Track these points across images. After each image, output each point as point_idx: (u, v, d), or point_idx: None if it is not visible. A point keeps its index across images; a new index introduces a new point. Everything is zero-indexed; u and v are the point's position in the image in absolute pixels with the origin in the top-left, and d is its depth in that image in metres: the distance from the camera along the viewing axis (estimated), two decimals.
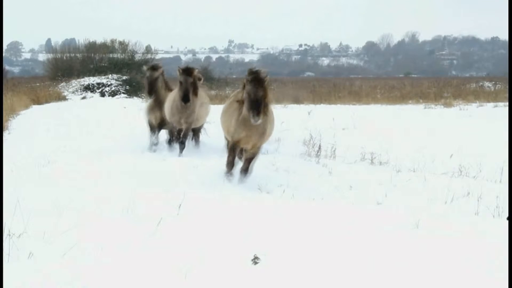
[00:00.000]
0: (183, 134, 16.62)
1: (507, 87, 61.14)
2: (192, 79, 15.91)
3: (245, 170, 12.72)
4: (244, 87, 12.07)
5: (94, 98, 48.66)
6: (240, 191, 11.42)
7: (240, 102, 12.54)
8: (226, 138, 14.18)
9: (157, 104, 17.80)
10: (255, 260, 7.09)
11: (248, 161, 12.81)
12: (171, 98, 16.66)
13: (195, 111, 16.70)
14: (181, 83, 15.83)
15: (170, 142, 17.72)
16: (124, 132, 21.46)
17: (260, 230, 8.31)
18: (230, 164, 12.69)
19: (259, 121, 11.67)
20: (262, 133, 12.44)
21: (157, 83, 17.60)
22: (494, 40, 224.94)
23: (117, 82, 52.17)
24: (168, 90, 17.95)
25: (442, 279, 6.65)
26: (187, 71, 15.80)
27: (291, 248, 7.56)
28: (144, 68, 18.22)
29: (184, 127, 16.61)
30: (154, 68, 17.70)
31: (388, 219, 9.26)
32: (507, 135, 9.86)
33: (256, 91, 11.69)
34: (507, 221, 9.82)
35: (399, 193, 11.77)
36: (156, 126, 18.15)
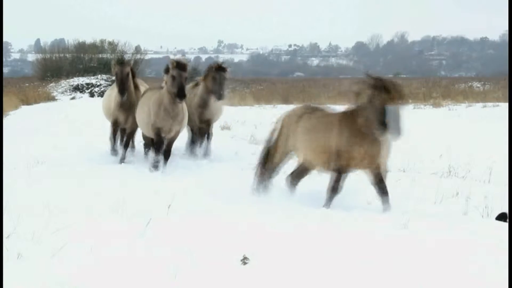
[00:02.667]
0: (168, 144, 14.70)
1: (496, 87, 61.37)
2: (186, 75, 14.09)
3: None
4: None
5: (84, 98, 48.57)
6: (230, 192, 11.40)
7: None
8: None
9: (127, 104, 15.89)
10: (244, 260, 7.10)
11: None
12: (155, 101, 14.51)
13: (186, 116, 14.92)
14: (174, 77, 13.91)
15: (146, 149, 16.21)
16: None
17: (249, 231, 8.33)
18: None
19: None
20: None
21: (128, 80, 15.80)
22: (483, 41, 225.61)
23: (106, 82, 52.04)
24: (136, 89, 16.28)
25: (431, 279, 6.68)
26: (181, 66, 14.06)
27: (279, 248, 7.57)
28: (112, 63, 16.41)
29: (172, 135, 14.58)
30: (122, 62, 15.91)
31: (378, 219, 9.29)
32: (507, 136, 9.87)
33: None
34: (495, 221, 9.88)
35: (389, 193, 11.78)
36: (120, 129, 16.59)
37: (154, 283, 6.49)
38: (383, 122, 9.90)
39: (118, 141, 16.77)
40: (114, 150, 16.44)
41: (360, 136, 10.36)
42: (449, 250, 7.64)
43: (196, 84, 17.21)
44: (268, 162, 11.79)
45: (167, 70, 14.33)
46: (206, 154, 16.75)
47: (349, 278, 6.67)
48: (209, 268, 6.87)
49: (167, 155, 14.58)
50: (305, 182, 11.78)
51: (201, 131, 17.10)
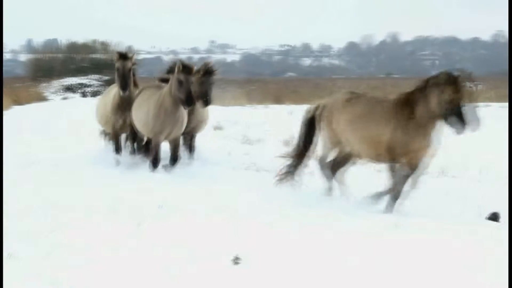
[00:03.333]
0: (174, 149, 14.06)
1: (488, 87, 61.46)
2: (192, 80, 13.41)
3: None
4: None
5: (76, 98, 48.41)
6: (222, 192, 11.40)
7: None
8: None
9: (126, 104, 14.62)
10: (236, 260, 7.12)
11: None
12: (155, 102, 13.74)
13: (186, 119, 14.14)
14: (180, 82, 13.16)
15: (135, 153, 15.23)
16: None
17: (240, 232, 8.33)
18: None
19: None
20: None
21: (130, 76, 14.51)
22: (475, 41, 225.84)
23: (98, 82, 51.96)
24: (136, 86, 15.21)
25: (424, 278, 6.69)
26: (188, 70, 13.29)
27: (271, 248, 7.59)
28: (114, 57, 14.83)
29: (171, 138, 13.90)
30: (125, 56, 14.52)
31: (370, 219, 9.30)
32: (507, 136, 9.88)
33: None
34: (487, 221, 9.91)
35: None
36: (119, 133, 15.26)
37: (147, 283, 6.50)
38: (462, 119, 10.37)
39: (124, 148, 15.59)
40: (117, 155, 15.06)
41: (416, 127, 10.50)
42: (441, 250, 7.65)
43: None
44: (301, 159, 11.93)
45: (169, 71, 14.02)
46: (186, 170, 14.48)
47: (341, 278, 6.69)
48: (200, 268, 6.89)
49: (174, 162, 13.96)
50: (298, 181, 11.78)
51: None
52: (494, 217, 10.26)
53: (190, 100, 13.15)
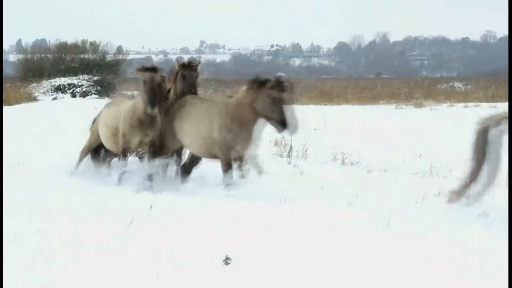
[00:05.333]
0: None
1: (477, 87, 61.67)
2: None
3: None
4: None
5: (65, 99, 48.35)
6: (211, 193, 11.39)
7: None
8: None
9: (150, 121, 12.52)
10: (226, 261, 7.11)
11: None
12: (225, 114, 12.07)
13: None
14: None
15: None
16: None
17: (231, 232, 8.32)
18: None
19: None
20: None
21: (160, 91, 12.45)
22: (464, 41, 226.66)
23: (88, 82, 51.86)
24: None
25: (414, 278, 6.70)
26: (283, 87, 11.58)
27: (262, 249, 7.57)
28: (137, 68, 12.66)
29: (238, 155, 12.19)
30: (154, 68, 12.44)
31: (360, 219, 9.31)
32: (508, 137, 9.87)
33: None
34: (476, 221, 9.91)
35: (371, 193, 11.81)
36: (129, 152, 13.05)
37: (137, 284, 6.49)
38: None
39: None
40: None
41: None
42: (432, 250, 7.66)
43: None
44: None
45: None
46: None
47: (332, 278, 6.69)
48: (191, 269, 6.86)
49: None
50: (286, 182, 11.79)
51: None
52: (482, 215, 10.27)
53: (285, 123, 11.38)
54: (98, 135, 13.58)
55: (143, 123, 12.43)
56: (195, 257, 7.22)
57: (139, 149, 12.98)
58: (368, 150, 17.75)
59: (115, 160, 13.52)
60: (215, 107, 12.32)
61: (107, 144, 13.30)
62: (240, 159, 12.14)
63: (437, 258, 7.34)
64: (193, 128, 12.33)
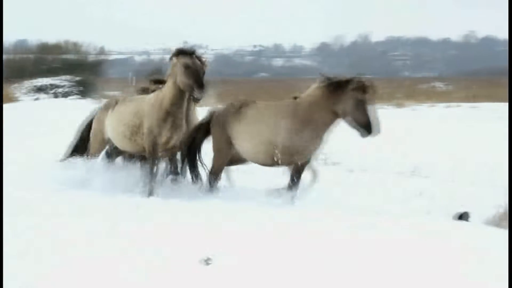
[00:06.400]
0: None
1: (459, 87, 61.93)
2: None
3: None
4: None
5: (47, 99, 48.17)
6: (195, 194, 11.38)
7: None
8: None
9: (177, 116, 11.77)
10: (207, 261, 7.14)
11: None
12: (283, 115, 11.42)
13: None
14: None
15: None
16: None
17: (212, 231, 8.34)
18: None
19: None
20: None
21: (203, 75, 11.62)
22: (446, 41, 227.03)
23: (70, 83, 51.69)
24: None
25: (399, 278, 6.75)
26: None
27: (243, 248, 7.59)
28: (173, 54, 11.77)
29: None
30: (193, 52, 11.68)
31: (343, 219, 9.34)
32: (507, 137, 9.95)
33: None
34: (458, 221, 10.00)
35: (354, 193, 11.85)
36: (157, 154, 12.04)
37: (120, 284, 6.51)
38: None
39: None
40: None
41: None
42: (415, 249, 7.70)
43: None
44: None
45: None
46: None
47: (314, 278, 6.73)
48: (173, 269, 6.90)
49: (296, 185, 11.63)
50: (268, 182, 11.82)
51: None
52: (463, 217, 10.35)
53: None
54: (103, 140, 12.76)
55: (172, 115, 11.74)
56: (177, 257, 7.25)
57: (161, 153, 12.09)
58: (350, 150, 17.77)
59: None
60: (281, 108, 11.69)
61: (125, 145, 12.39)
62: (302, 165, 11.48)
63: (420, 257, 7.38)
64: (254, 131, 11.51)
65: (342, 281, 6.67)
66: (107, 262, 7.02)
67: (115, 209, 9.42)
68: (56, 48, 66.55)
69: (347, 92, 10.93)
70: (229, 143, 11.71)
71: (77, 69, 58.60)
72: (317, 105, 11.19)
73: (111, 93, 51.43)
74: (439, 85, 68.72)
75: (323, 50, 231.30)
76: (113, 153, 13.10)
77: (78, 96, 49.67)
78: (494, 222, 10.16)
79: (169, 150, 12.03)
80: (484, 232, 8.80)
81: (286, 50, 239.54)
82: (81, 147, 13.23)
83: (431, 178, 13.53)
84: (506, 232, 8.92)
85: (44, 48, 66.96)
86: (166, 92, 11.78)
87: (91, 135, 13.02)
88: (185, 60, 11.48)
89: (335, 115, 11.09)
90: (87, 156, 12.94)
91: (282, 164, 11.39)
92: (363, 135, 10.95)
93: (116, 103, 12.74)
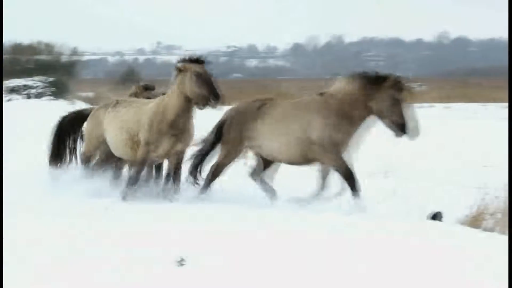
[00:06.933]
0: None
1: (432, 88, 62.23)
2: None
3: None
4: None
5: (20, 100, 47.91)
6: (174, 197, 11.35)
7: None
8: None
9: (183, 122, 11.40)
10: (181, 262, 7.14)
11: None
12: (317, 111, 11.16)
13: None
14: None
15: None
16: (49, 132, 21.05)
17: (185, 232, 8.34)
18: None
19: None
20: None
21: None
22: (419, 42, 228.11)
23: (43, 84, 51.42)
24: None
25: (373, 278, 6.78)
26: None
27: (217, 249, 7.59)
28: (180, 61, 11.53)
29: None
30: (202, 61, 11.33)
31: (317, 219, 9.37)
32: (507, 137, 10.00)
33: None
34: (431, 220, 10.07)
35: (328, 193, 11.84)
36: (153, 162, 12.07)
37: (91, 284, 6.50)
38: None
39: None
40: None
41: None
42: (389, 250, 7.73)
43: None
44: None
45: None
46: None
47: (292, 279, 6.74)
48: (145, 270, 6.89)
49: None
50: (240, 183, 11.81)
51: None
52: (436, 216, 10.40)
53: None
54: (101, 140, 12.12)
55: (175, 127, 11.25)
56: (150, 258, 7.24)
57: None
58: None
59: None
60: (311, 104, 11.36)
61: (124, 152, 11.88)
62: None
63: (394, 258, 7.42)
64: (282, 130, 11.19)
65: (319, 280, 6.69)
66: (78, 264, 7.00)
67: (86, 210, 9.38)
68: (29, 49, 66.09)
69: (383, 89, 10.85)
70: (243, 144, 11.49)
71: (50, 70, 58.26)
72: (352, 99, 11.00)
73: (84, 94, 51.27)
74: (412, 85, 69.02)
75: (296, 50, 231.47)
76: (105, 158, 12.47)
77: (51, 97, 49.39)
78: (467, 222, 10.25)
79: (175, 155, 11.62)
80: (460, 232, 8.87)
81: (260, 51, 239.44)
82: (58, 154, 12.88)
83: (405, 179, 13.59)
84: (480, 231, 9.03)
85: (18, 49, 66.49)
86: (170, 102, 11.27)
87: (86, 134, 12.65)
88: (197, 68, 11.10)
89: (370, 111, 10.95)
90: (67, 161, 12.82)
91: (317, 160, 11.20)
92: (397, 135, 10.90)
93: (117, 104, 12.18)
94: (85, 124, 12.75)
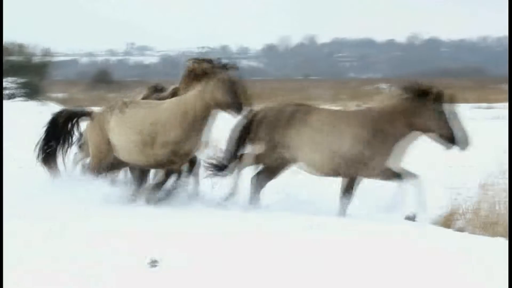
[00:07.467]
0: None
1: (398, 88, 62.60)
2: None
3: None
4: None
5: None
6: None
7: None
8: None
9: (203, 124, 11.02)
10: (153, 263, 7.15)
11: None
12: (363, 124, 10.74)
13: None
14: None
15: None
16: (24, 134, 20.95)
17: (157, 233, 8.34)
18: None
19: None
20: None
21: None
22: (390, 43, 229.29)
23: (14, 85, 51.09)
24: None
25: (341, 278, 6.81)
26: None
27: (190, 250, 7.60)
28: (213, 63, 11.08)
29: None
30: (232, 66, 11.13)
31: (286, 220, 9.39)
32: (507, 137, 10.04)
33: None
34: (406, 221, 10.13)
35: (297, 193, 11.84)
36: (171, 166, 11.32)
37: (63, 285, 6.50)
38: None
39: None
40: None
41: None
42: (360, 249, 7.76)
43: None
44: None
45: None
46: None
47: (268, 280, 6.77)
48: (118, 272, 6.90)
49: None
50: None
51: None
52: (409, 217, 10.46)
53: (454, 139, 10.45)
54: (109, 148, 11.42)
55: (195, 129, 10.93)
56: (121, 261, 7.23)
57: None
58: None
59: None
60: (348, 116, 11.11)
61: (134, 156, 11.33)
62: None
63: (365, 257, 7.46)
64: (317, 140, 10.73)
65: (290, 280, 6.72)
66: (52, 265, 6.99)
67: (59, 212, 9.34)
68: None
69: (427, 104, 10.45)
70: (277, 150, 11.01)
71: (21, 71, 57.86)
72: (391, 116, 10.62)
73: (56, 95, 51.01)
74: (383, 86, 69.35)
75: (269, 51, 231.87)
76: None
77: (23, 99, 49.10)
78: (440, 222, 10.33)
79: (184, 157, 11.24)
80: (434, 232, 8.94)
81: (233, 52, 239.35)
82: (51, 154, 12.11)
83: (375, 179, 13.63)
84: (454, 232, 9.13)
85: None
86: (191, 103, 10.90)
87: (92, 144, 11.70)
88: (224, 76, 10.80)
89: (410, 128, 10.54)
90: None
91: (346, 176, 10.91)
92: (447, 148, 10.53)
93: (125, 105, 11.49)
94: (86, 132, 11.98)
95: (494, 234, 9.42)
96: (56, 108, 41.93)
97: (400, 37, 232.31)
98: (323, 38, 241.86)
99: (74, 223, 8.83)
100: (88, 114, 11.89)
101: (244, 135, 11.24)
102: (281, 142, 10.89)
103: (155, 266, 7.13)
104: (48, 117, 12.25)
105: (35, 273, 6.79)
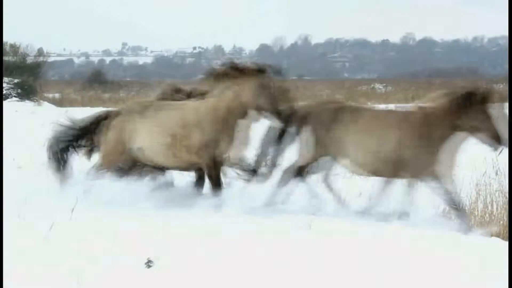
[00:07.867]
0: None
1: (397, 89, 62.69)
2: None
3: None
4: None
5: None
6: (134, 195, 11.27)
7: None
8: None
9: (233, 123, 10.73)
10: (149, 263, 7.15)
11: None
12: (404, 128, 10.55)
13: None
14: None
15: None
16: (17, 134, 20.95)
17: (153, 233, 8.33)
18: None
19: None
20: None
21: None
22: (384, 43, 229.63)
23: (8, 85, 51.04)
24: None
25: (341, 278, 6.83)
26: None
27: (184, 250, 7.59)
28: (254, 68, 10.81)
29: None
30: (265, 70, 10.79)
31: (281, 220, 9.40)
32: (508, 137, 10.01)
33: None
34: (400, 221, 10.15)
35: (292, 194, 11.84)
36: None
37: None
38: None
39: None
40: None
41: None
42: (354, 250, 7.79)
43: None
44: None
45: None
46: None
47: (254, 279, 6.77)
48: (113, 272, 6.89)
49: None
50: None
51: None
52: (403, 216, 10.49)
53: (501, 139, 10.27)
54: (124, 151, 11.24)
55: (232, 129, 10.71)
56: (118, 261, 7.22)
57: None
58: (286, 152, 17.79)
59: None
60: (392, 117, 10.98)
61: (161, 158, 11.18)
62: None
63: (359, 258, 7.47)
64: (363, 140, 10.61)
65: (290, 280, 6.74)
66: (43, 268, 6.97)
67: (51, 211, 9.32)
68: None
69: (475, 106, 10.25)
70: (324, 148, 10.89)
71: (15, 71, 57.79)
72: (436, 119, 10.39)
73: (51, 95, 50.99)
74: (378, 86, 69.54)
75: (263, 51, 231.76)
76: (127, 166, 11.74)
77: (17, 99, 49.07)
78: (435, 222, 10.34)
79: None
80: (429, 232, 8.95)
81: (227, 52, 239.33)
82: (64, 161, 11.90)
83: (370, 179, 13.65)
84: (446, 231, 9.15)
85: None
86: (225, 104, 10.70)
87: (105, 145, 11.49)
88: (263, 81, 10.54)
89: (456, 129, 10.37)
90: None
91: (386, 176, 10.79)
92: (495, 148, 10.37)
93: (145, 108, 11.31)
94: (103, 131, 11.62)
95: (489, 234, 9.50)
96: (51, 108, 42.01)
97: (395, 38, 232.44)
98: (317, 38, 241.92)
99: (71, 223, 8.83)
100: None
101: (281, 136, 11.20)
102: (329, 142, 10.77)
103: (151, 266, 7.14)
104: (49, 117, 12.17)
105: (34, 273, 6.80)
